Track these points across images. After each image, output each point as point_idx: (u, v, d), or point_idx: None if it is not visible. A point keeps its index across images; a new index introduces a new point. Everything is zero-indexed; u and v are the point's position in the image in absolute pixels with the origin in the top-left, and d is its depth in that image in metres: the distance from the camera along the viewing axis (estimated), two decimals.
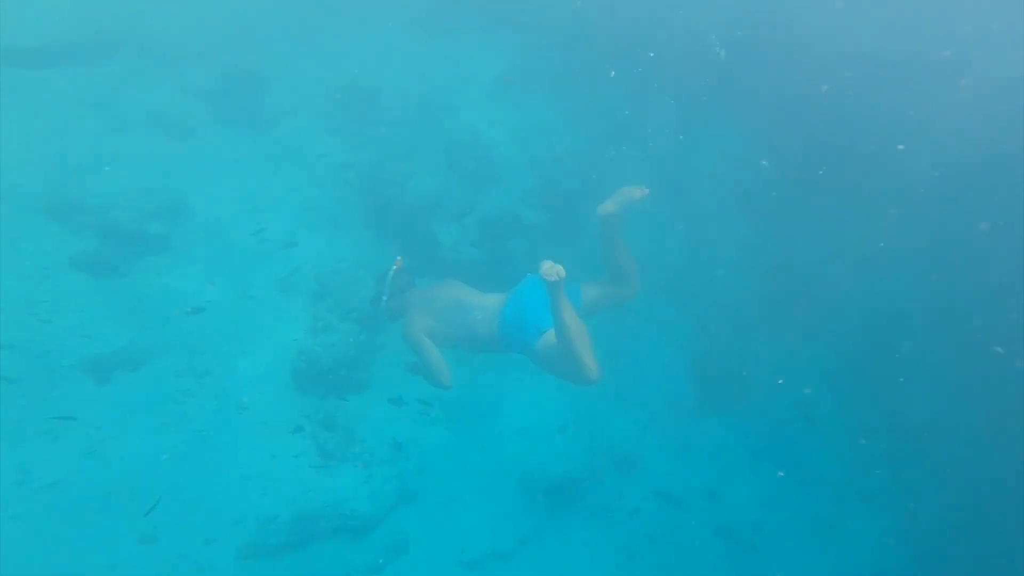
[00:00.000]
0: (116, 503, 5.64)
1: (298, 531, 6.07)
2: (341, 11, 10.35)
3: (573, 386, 4.24)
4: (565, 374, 4.07)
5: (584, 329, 3.91)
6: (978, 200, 8.49)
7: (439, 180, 9.09)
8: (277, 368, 7.46)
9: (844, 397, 9.07)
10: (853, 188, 9.21)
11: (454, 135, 9.36)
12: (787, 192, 9.50)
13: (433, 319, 4.47)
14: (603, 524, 7.77)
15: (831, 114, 9.05)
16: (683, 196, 9.72)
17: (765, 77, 9.51)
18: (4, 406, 6.02)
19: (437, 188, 9.04)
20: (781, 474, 8.49)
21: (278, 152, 9.24)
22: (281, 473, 6.49)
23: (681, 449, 8.60)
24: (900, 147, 8.47)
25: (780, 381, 8.72)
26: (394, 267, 4.78)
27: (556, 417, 8.26)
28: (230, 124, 9.37)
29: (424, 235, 8.94)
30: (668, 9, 9.91)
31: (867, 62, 9.06)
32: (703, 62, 9.57)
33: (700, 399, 9.13)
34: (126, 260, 7.83)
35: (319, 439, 6.95)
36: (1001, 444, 7.92)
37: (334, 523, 6.30)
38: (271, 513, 6.09)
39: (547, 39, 10.50)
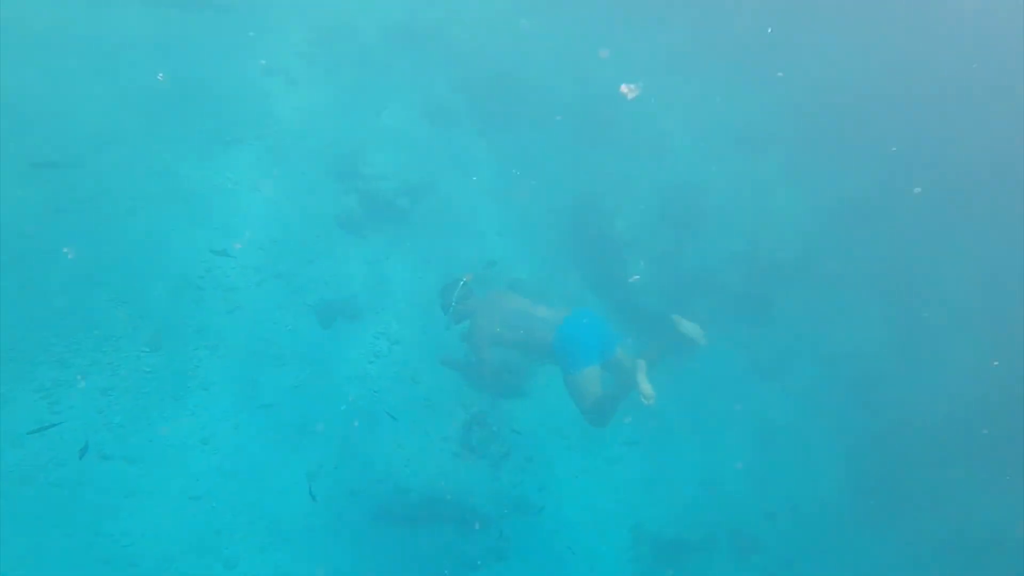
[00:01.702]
0: (303, 437, 6.32)
1: (422, 509, 6.34)
2: (604, 40, 9.95)
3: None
4: (579, 406, 4.62)
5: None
6: None
7: (646, 220, 8.54)
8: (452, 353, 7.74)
9: None
10: None
11: (674, 179, 8.62)
12: None
13: (497, 324, 4.89)
14: None
15: None
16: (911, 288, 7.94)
17: None
18: (261, 330, 6.94)
19: (642, 227, 8.51)
20: None
21: (512, 157, 9.37)
22: (426, 450, 6.78)
23: (815, 551, 7.27)
24: None
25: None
26: (463, 280, 5.24)
27: (684, 476, 7.52)
28: (485, 122, 9.68)
29: (616, 270, 8.53)
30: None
31: None
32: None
33: (854, 501, 7.59)
34: (371, 225, 8.55)
35: (468, 430, 7.14)
36: None
37: (452, 512, 6.46)
38: (407, 485, 6.43)
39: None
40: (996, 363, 7.35)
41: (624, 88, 5.31)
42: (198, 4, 9.24)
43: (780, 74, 9.02)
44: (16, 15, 7.54)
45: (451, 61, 10.32)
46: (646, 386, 4.18)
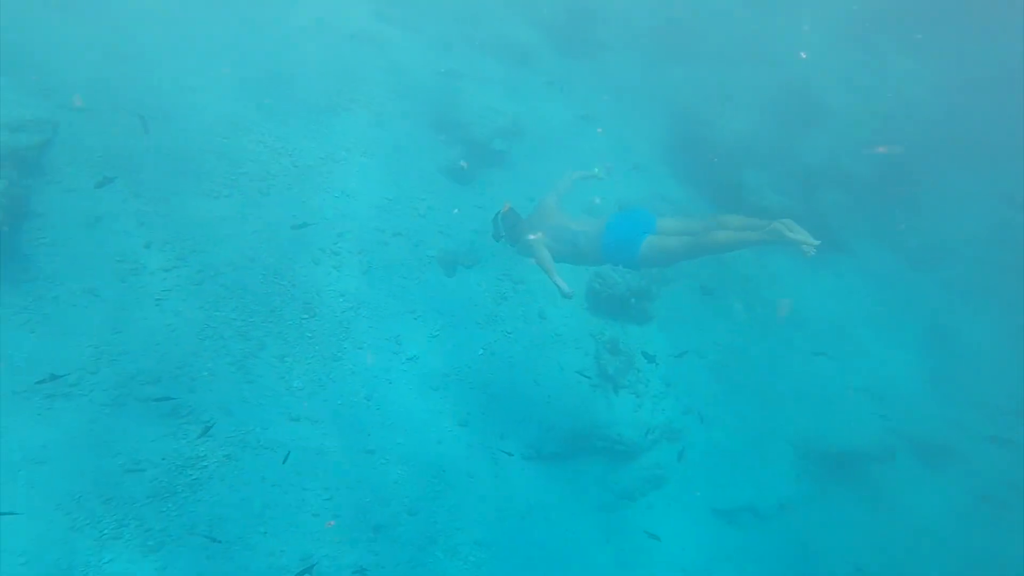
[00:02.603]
0: (449, 385, 6.36)
1: (570, 444, 6.27)
2: None
3: None
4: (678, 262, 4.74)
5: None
6: None
7: (756, 122, 7.62)
8: (575, 286, 7.42)
9: None
10: None
11: (781, 77, 7.58)
12: None
13: (548, 238, 4.90)
14: (887, 511, 6.49)
15: None
16: None
17: None
18: (393, 287, 6.96)
19: (752, 130, 7.62)
20: None
21: (599, 83, 8.62)
22: (564, 385, 6.64)
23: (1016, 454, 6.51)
24: None
25: None
26: (502, 209, 5.14)
27: (844, 385, 6.94)
28: (563, 54, 8.96)
29: (729, 177, 7.75)
30: None
31: None
32: None
33: None
34: (475, 170, 8.26)
35: (602, 360, 6.93)
36: None
37: (601, 443, 6.34)
38: (552, 422, 6.35)
39: None
40: None
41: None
42: None
43: None
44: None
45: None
46: (803, 235, 3.90)
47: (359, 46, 8.82)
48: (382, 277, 6.99)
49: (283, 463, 4.87)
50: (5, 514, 3.90)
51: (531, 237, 4.91)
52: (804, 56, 6.99)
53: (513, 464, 5.93)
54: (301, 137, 7.51)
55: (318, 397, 5.54)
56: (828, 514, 6.37)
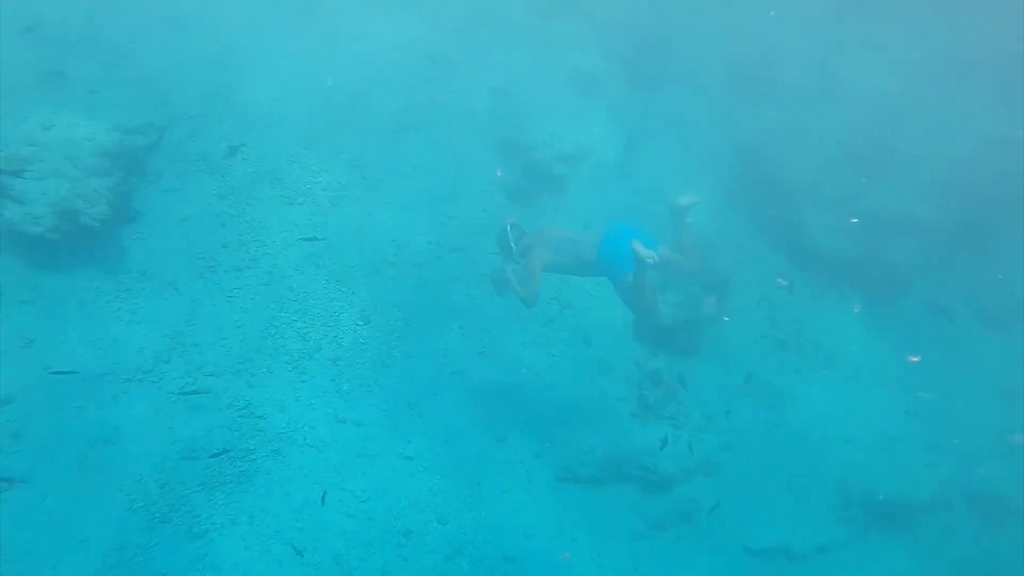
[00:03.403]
0: (490, 401, 6.22)
1: (605, 469, 6.00)
2: None
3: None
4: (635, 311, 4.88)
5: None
6: None
7: (825, 163, 7.11)
8: (622, 314, 7.16)
9: None
10: None
11: (852, 118, 7.05)
12: None
13: (550, 252, 4.89)
14: (933, 562, 5.89)
15: None
16: None
17: None
18: (446, 300, 6.92)
19: (820, 171, 7.11)
20: None
21: (667, 116, 8.31)
22: (606, 412, 6.38)
23: None
24: None
25: None
26: (509, 222, 5.17)
27: (898, 434, 6.34)
28: (635, 86, 8.72)
29: (791, 218, 7.27)
30: None
31: None
32: None
33: None
34: (534, 194, 8.13)
35: (643, 390, 6.61)
36: None
37: (635, 472, 6.03)
38: (590, 446, 6.10)
39: None
40: None
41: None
42: None
43: None
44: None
45: (595, 29, 9.41)
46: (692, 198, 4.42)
47: (434, 67, 8.93)
48: (436, 291, 6.98)
49: (321, 504, 4.84)
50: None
51: (537, 256, 4.83)
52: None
53: (547, 484, 5.71)
54: (373, 152, 7.65)
55: (366, 401, 5.54)
56: (869, 561, 5.82)
